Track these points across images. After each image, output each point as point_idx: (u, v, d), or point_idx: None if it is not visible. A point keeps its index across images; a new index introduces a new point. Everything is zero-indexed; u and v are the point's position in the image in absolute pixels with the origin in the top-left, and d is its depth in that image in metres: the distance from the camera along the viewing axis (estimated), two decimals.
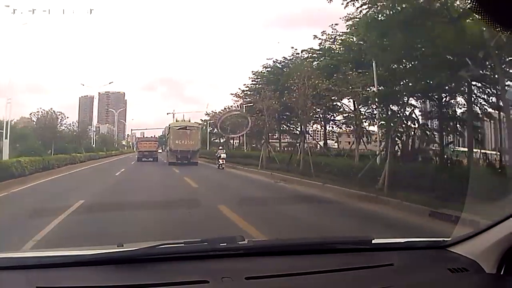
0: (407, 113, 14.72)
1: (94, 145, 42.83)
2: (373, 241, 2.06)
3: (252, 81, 37.23)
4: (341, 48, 24.55)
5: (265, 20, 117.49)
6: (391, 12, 11.82)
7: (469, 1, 1.20)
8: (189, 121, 49.18)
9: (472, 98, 15.03)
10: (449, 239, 2.09)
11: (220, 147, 27.41)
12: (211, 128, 48.04)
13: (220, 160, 24.41)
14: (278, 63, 33.55)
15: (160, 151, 42.26)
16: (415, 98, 17.09)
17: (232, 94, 41.36)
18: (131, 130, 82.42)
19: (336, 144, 48.52)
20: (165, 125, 66.52)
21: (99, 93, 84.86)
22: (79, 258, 1.80)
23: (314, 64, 25.50)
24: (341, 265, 1.85)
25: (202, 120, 51.56)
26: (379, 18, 12.31)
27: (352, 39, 22.38)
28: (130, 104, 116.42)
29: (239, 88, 40.56)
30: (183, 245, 1.90)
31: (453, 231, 4.83)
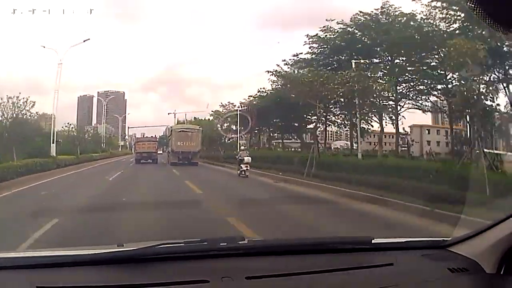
0: None
1: (53, 145, 27.02)
2: (373, 241, 2.06)
3: (309, 48, 30.40)
4: None
5: (264, 20, 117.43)
6: None
7: (469, 1, 1.20)
8: (194, 119, 46.85)
9: None
10: (449, 239, 2.10)
11: (243, 147, 22.23)
12: (227, 124, 41.33)
13: (243, 166, 18.42)
14: (363, 16, 27.01)
15: (160, 152, 40.31)
16: None
17: (269, 72, 34.65)
18: (128, 127, 73.40)
19: (344, 144, 44.81)
20: (164, 125, 65.74)
21: (98, 92, 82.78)
22: (79, 258, 1.80)
23: None
24: (341, 265, 1.86)
25: (221, 111, 44.62)
26: None
27: None
28: (130, 104, 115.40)
29: (277, 65, 33.90)
30: (183, 245, 1.91)
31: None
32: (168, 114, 65.53)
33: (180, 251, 1.87)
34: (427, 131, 33.93)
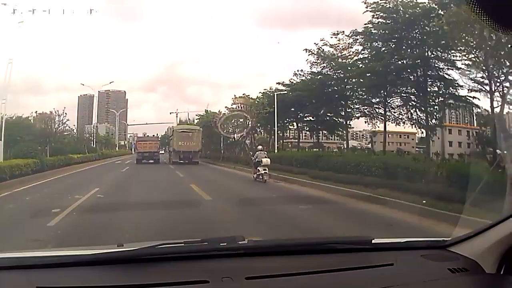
0: None
1: (1, 143, 20.63)
2: (373, 241, 2.06)
3: (372, 17, 24.33)
4: None
5: (264, 20, 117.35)
6: None
7: (469, 1, 1.20)
8: (205, 112, 41.86)
9: None
10: (449, 239, 2.10)
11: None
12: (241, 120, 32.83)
13: (261, 168, 15.85)
14: None
15: (162, 152, 39.49)
16: None
17: (307, 51, 29.85)
18: (127, 125, 67.38)
19: (360, 144, 39.55)
20: (165, 122, 63.46)
21: (98, 91, 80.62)
22: (79, 258, 1.80)
23: None
24: (341, 265, 1.86)
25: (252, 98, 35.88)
26: None
27: None
28: (131, 104, 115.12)
29: (315, 44, 29.01)
30: (183, 245, 1.91)
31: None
32: (170, 113, 62.35)
33: (180, 251, 1.88)
34: (448, 131, 30.67)
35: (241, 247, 1.95)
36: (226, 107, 37.87)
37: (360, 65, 27.41)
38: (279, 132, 36.65)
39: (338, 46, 29.12)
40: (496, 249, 1.79)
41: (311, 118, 34.24)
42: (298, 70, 32.44)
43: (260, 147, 18.84)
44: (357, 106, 30.69)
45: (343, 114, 31.58)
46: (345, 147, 33.47)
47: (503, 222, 1.81)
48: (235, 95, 37.27)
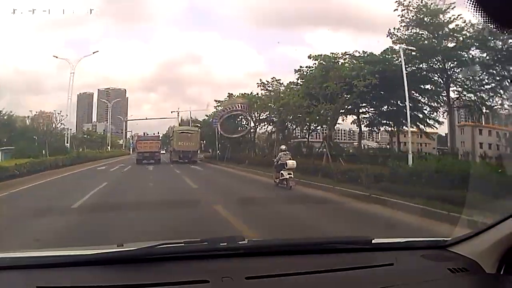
0: None
1: None
2: (373, 241, 2.06)
3: None
4: None
5: (263, 21, 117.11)
6: None
7: (469, 1, 1.20)
8: (228, 96, 37.82)
9: None
10: (449, 239, 2.10)
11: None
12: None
13: (285, 172, 13.48)
14: None
15: (163, 152, 38.79)
16: None
17: (398, 3, 21.67)
18: (124, 120, 62.44)
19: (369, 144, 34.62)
20: (167, 118, 63.05)
21: (98, 90, 79.42)
22: (79, 258, 1.81)
23: None
24: (341, 265, 1.86)
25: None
26: None
27: None
28: (131, 104, 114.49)
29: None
30: (183, 245, 1.91)
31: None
32: (172, 112, 61.76)
33: (180, 251, 1.88)
34: (478, 131, 27.15)
35: (241, 247, 1.95)
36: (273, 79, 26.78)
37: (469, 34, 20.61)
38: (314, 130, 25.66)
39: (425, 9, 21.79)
40: (496, 249, 1.78)
41: (370, 109, 26.01)
42: (394, 29, 23.09)
43: (283, 147, 15.33)
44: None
45: (436, 103, 23.49)
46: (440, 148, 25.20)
47: (503, 222, 1.81)
48: (260, 80, 27.20)
